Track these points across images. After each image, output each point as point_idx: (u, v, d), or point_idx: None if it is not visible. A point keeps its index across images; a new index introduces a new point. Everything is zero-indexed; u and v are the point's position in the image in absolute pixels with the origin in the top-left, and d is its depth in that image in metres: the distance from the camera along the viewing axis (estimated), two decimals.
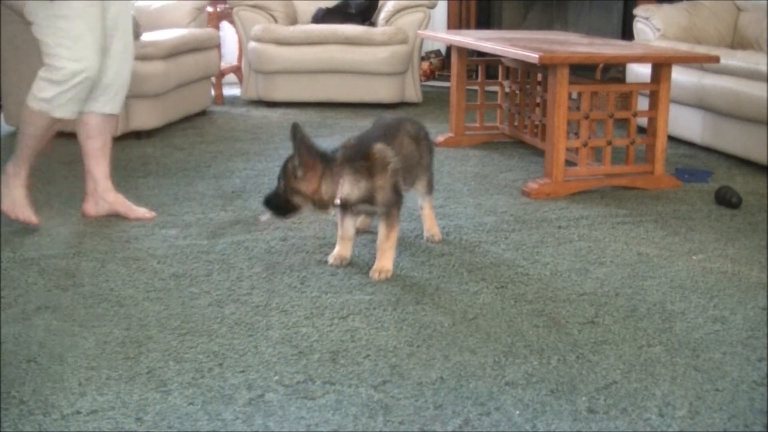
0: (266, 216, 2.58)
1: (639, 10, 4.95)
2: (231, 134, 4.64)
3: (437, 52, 6.95)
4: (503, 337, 2.12)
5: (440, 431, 1.69)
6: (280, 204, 2.51)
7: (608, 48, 3.70)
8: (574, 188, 3.45)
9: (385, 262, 2.53)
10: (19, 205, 2.94)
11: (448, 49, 6.28)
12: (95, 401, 1.79)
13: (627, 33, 5.85)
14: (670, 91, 3.58)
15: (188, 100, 4.89)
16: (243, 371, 1.93)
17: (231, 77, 6.21)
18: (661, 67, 3.51)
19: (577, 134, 3.57)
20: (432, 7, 5.59)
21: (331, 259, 2.63)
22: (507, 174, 3.80)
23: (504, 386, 1.87)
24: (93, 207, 3.09)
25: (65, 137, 4.43)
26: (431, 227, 2.86)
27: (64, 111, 2.91)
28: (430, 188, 2.83)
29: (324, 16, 5.80)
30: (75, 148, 4.23)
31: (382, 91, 5.47)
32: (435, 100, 5.85)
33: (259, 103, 5.62)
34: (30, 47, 4.36)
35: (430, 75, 6.76)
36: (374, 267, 2.53)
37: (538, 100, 4.11)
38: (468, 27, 6.77)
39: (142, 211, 3.09)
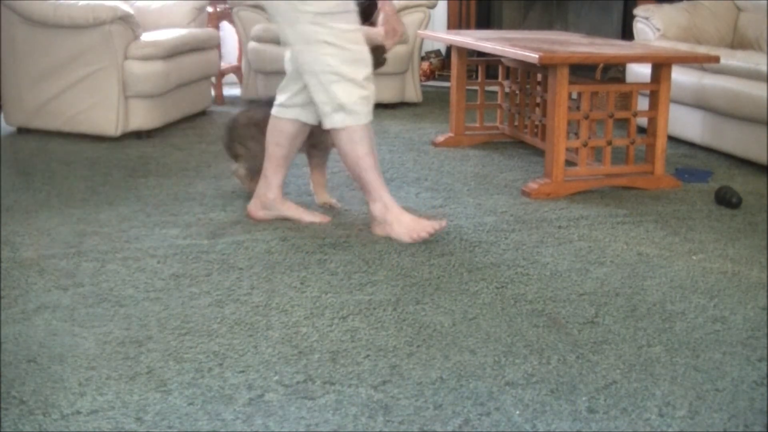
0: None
1: (639, 10, 4.95)
2: None
3: (437, 52, 6.94)
4: (503, 337, 2.12)
5: (440, 431, 1.69)
6: None
7: (608, 48, 3.70)
8: (574, 188, 3.45)
9: None
10: (417, 227, 2.81)
11: (448, 49, 6.29)
12: (95, 401, 1.79)
13: (627, 33, 5.85)
14: (670, 91, 3.58)
15: (188, 100, 4.89)
16: (243, 371, 1.93)
17: (231, 77, 6.21)
18: (661, 67, 3.51)
19: (577, 134, 3.57)
20: (432, 7, 5.59)
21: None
22: (507, 174, 3.80)
23: (504, 386, 1.87)
24: (260, 210, 3.04)
25: (63, 137, 4.44)
26: None
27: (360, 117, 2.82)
28: None
29: None
30: (75, 148, 4.24)
31: (382, 91, 5.43)
32: (435, 100, 5.85)
33: None
34: (30, 47, 4.38)
35: (430, 75, 6.76)
36: None
37: (538, 100, 4.11)
38: (468, 27, 6.76)
39: (318, 216, 3.03)
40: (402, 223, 2.81)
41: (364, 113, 2.76)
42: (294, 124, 2.93)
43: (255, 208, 3.04)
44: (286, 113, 2.92)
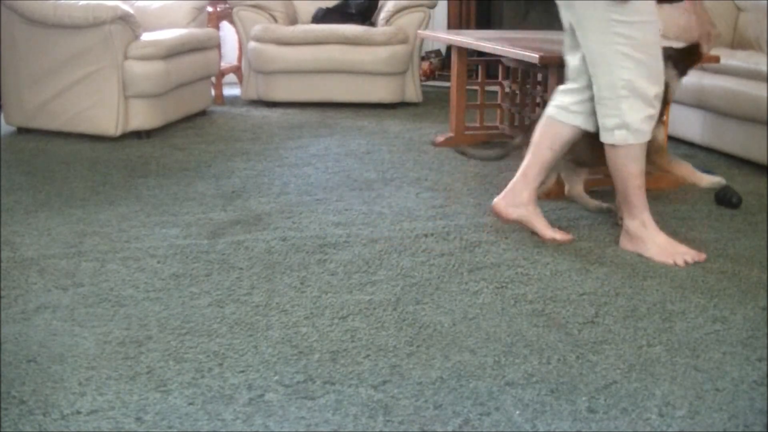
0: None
1: None
2: (231, 134, 4.64)
3: (437, 52, 6.95)
4: (503, 337, 2.12)
5: (440, 431, 1.69)
6: None
7: None
8: None
9: None
10: (674, 250, 2.69)
11: (448, 49, 6.28)
12: (95, 401, 1.79)
13: None
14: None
15: (188, 100, 4.89)
16: (243, 371, 1.93)
17: (231, 77, 6.21)
18: None
19: None
20: (432, 7, 5.59)
21: None
22: (507, 174, 3.79)
23: (504, 386, 1.87)
24: (511, 207, 2.87)
25: (63, 137, 4.44)
26: None
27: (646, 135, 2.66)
28: None
29: (324, 16, 5.80)
30: (75, 148, 4.24)
31: (382, 91, 5.47)
32: (435, 100, 5.85)
33: (259, 103, 5.62)
34: (30, 47, 4.38)
35: (430, 75, 6.76)
36: None
37: (538, 100, 4.10)
38: (468, 27, 6.76)
39: (558, 233, 2.83)
40: (656, 243, 2.71)
41: (646, 132, 2.65)
42: (574, 131, 2.80)
43: (505, 204, 2.87)
44: (569, 119, 2.78)
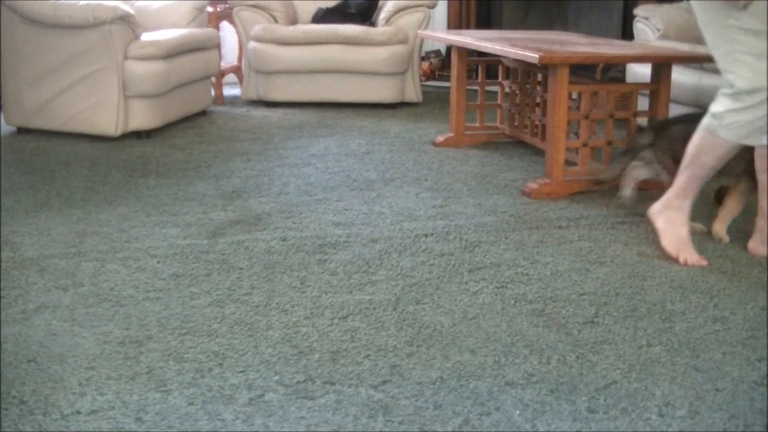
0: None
1: (639, 10, 4.95)
2: (231, 134, 4.64)
3: (437, 52, 6.95)
4: (503, 337, 2.12)
5: (440, 431, 1.69)
6: None
7: (608, 48, 3.70)
8: (574, 188, 3.45)
9: None
10: (684, 246, 2.70)
11: (448, 49, 6.28)
12: (95, 401, 1.79)
13: (627, 33, 5.85)
14: (670, 91, 3.57)
15: (188, 100, 4.89)
16: (243, 371, 1.93)
17: (231, 77, 6.21)
18: (661, 67, 3.51)
19: (577, 134, 3.57)
20: (432, 7, 5.59)
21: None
22: (507, 174, 3.80)
23: (504, 386, 1.87)
24: (759, 246, 2.79)
25: (63, 137, 4.44)
26: None
27: (731, 133, 2.57)
28: None
29: (324, 16, 5.80)
30: (75, 148, 4.25)
31: (382, 91, 5.47)
32: (435, 100, 5.85)
33: (259, 103, 5.62)
34: (30, 47, 4.38)
35: (430, 75, 6.76)
36: None
37: (538, 100, 4.11)
38: (468, 27, 6.76)
39: None
40: (674, 232, 2.71)
41: (739, 136, 2.57)
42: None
43: (754, 244, 2.81)
44: None
